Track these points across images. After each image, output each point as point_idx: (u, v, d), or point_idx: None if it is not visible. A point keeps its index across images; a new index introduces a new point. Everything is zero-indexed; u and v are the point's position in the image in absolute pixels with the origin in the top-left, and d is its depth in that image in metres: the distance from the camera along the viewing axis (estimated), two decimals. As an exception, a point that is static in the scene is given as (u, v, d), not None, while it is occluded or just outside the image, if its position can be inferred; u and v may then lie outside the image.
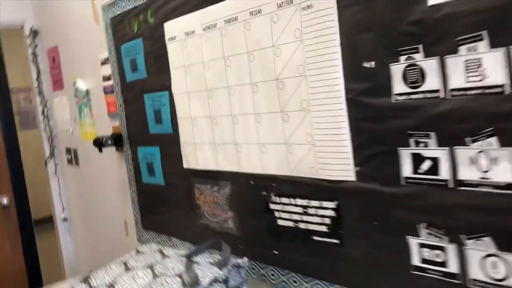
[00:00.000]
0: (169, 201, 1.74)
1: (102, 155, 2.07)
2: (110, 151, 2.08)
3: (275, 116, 1.22)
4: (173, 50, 1.55)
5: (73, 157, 2.61)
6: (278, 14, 1.15)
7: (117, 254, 2.24)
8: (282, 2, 1.13)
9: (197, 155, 1.53)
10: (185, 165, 1.61)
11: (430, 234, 0.93)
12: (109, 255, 2.40)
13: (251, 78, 1.26)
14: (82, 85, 2.30)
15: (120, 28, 1.82)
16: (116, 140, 1.99)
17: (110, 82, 2.00)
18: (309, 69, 1.10)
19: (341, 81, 1.04)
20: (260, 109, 1.26)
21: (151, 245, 1.41)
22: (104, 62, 2.04)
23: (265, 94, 1.23)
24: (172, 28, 1.53)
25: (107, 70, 2.01)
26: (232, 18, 1.28)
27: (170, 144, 1.66)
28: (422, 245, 0.95)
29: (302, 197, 1.20)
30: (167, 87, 1.61)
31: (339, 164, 1.08)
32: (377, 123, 0.99)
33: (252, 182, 1.34)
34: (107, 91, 2.08)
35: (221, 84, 1.37)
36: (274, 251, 1.31)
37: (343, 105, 1.04)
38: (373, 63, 0.97)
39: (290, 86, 1.15)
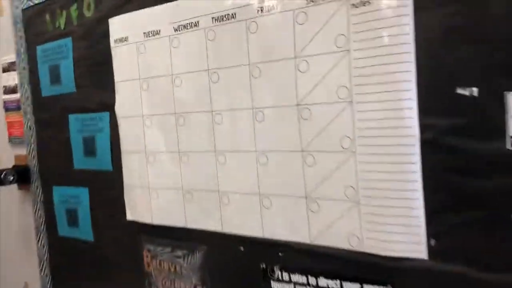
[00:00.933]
0: (100, 264, 1.26)
1: (-3, 194, 1.51)
2: (9, 190, 1.53)
3: (291, 157, 0.84)
4: (121, 56, 1.11)
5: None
6: (307, 12, 0.79)
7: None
8: (316, -5, 0.78)
9: (151, 203, 1.09)
10: (129, 217, 1.15)
11: None
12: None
13: (253, 101, 0.88)
14: (-30, 97, 1.71)
15: (37, 23, 1.33)
16: (21, 175, 1.45)
17: (16, 96, 1.47)
18: (358, 93, 0.75)
19: (414, 113, 0.71)
20: (265, 146, 0.88)
21: None
22: (7, 68, 1.51)
23: (276, 125, 0.86)
24: (122, 25, 1.10)
25: (11, 79, 1.48)
26: (226, 15, 0.90)
27: (107, 186, 1.20)
28: None
29: (330, 275, 0.83)
30: (108, 107, 1.16)
31: (401, 233, 0.74)
32: (473, 177, 0.67)
33: (242, 249, 0.94)
34: (9, 107, 1.54)
35: (201, 107, 0.96)
36: None
37: (416, 148, 0.71)
38: (475, 89, 0.66)
39: (322, 116, 0.80)
